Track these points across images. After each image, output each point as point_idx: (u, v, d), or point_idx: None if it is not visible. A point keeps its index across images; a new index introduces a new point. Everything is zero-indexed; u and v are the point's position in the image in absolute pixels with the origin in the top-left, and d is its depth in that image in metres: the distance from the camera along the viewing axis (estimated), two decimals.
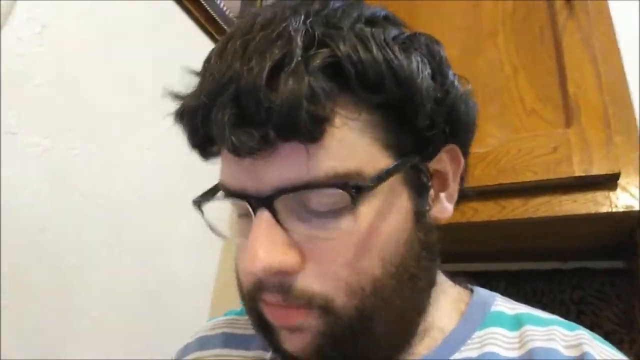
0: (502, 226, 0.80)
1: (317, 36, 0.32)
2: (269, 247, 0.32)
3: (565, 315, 0.47)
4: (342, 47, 0.31)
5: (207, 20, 0.99)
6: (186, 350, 0.51)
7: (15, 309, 0.61)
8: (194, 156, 0.37)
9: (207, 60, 0.35)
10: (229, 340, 0.48)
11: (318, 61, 0.31)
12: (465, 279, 0.45)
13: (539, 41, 0.83)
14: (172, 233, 0.88)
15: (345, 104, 0.32)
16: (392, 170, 0.33)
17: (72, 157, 0.70)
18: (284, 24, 0.32)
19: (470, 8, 0.93)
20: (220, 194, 0.37)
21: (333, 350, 0.34)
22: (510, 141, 0.78)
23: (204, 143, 0.35)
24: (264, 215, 0.32)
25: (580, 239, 0.84)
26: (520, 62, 0.83)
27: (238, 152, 0.31)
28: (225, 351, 0.47)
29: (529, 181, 0.75)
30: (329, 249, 0.33)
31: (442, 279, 0.42)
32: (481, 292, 0.43)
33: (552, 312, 0.41)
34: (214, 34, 1.00)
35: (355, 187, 0.32)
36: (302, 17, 0.33)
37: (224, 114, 0.31)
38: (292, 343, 0.35)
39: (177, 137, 0.36)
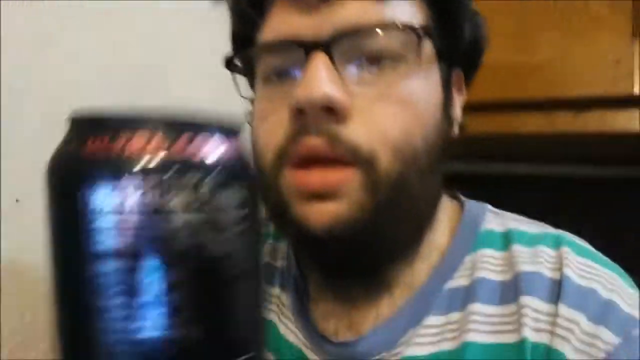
0: (549, 139, 0.79)
1: None
2: (326, 79, 0.31)
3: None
4: None
5: None
6: None
7: None
8: None
9: None
10: None
11: None
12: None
13: None
14: None
15: None
16: (436, 44, 0.34)
17: None
18: None
19: None
20: (259, 49, 0.36)
21: (364, 227, 0.31)
22: (569, 51, 0.74)
23: None
24: (320, 57, 0.31)
25: (628, 150, 0.82)
26: None
27: None
28: None
29: (582, 96, 0.72)
30: (380, 101, 0.32)
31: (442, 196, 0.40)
32: (471, 206, 0.40)
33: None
34: None
35: (415, 31, 0.32)
36: None
37: None
38: (321, 213, 0.31)
39: None
